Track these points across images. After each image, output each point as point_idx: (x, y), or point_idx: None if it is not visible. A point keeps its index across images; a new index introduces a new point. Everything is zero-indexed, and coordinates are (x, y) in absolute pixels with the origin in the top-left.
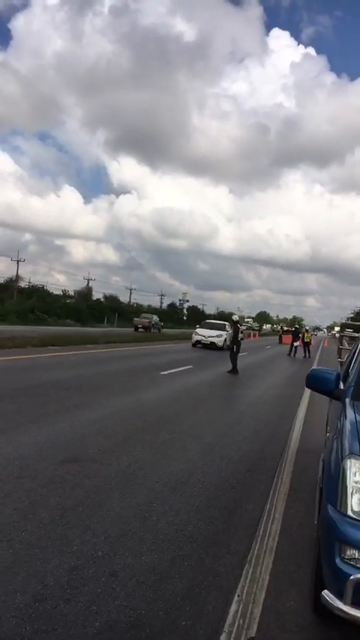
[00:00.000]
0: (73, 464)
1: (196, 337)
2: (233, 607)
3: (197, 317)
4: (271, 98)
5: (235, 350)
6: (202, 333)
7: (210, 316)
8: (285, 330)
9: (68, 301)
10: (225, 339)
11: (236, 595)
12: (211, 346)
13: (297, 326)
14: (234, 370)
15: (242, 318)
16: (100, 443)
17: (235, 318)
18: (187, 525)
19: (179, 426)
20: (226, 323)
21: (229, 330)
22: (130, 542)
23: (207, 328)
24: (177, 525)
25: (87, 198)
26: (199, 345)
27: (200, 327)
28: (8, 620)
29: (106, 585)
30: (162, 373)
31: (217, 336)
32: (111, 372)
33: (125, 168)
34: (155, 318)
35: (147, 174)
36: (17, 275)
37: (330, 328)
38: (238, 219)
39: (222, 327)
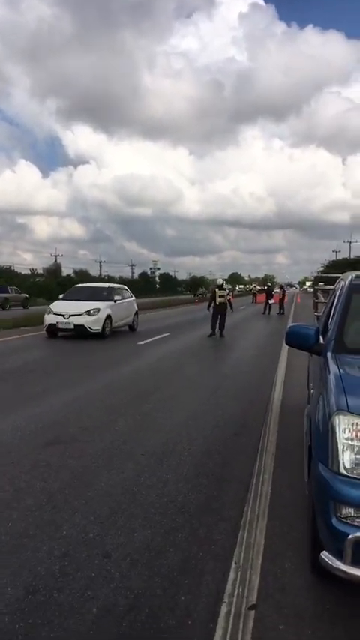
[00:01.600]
0: (57, 446)
1: (49, 319)
2: (231, 575)
3: (170, 284)
4: (223, 53)
5: (213, 313)
6: (62, 310)
7: (182, 282)
8: (259, 289)
9: (37, 280)
10: (109, 317)
11: (233, 562)
12: (79, 332)
13: (269, 284)
14: (212, 333)
15: (214, 280)
16: (83, 421)
17: (219, 281)
18: (178, 496)
19: (161, 396)
20: (120, 287)
21: (120, 298)
22: (121, 520)
23: (74, 299)
24: (167, 497)
25: (44, 172)
26: (64, 334)
27: (63, 299)
28: (1, 618)
29: (100, 568)
30: (139, 344)
31: (90, 313)
32: (88, 348)
33: (80, 138)
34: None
35: (103, 142)
36: None
37: (302, 283)
38: (201, 180)
39: (104, 295)
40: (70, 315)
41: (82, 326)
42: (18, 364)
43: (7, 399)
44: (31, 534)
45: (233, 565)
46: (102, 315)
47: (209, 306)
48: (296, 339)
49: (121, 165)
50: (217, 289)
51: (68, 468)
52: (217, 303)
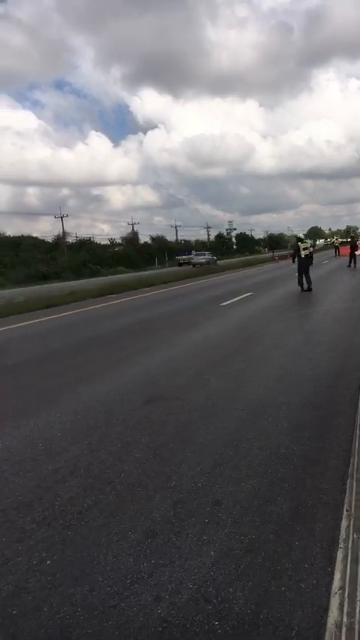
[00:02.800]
0: (156, 403)
1: None
2: (344, 522)
3: (247, 244)
4: None
5: (298, 267)
6: None
7: (259, 241)
8: (341, 242)
9: (117, 249)
10: None
11: (345, 510)
12: None
13: (352, 235)
14: (301, 287)
15: (293, 236)
16: (177, 380)
17: (300, 235)
18: (280, 448)
19: (250, 354)
20: None
21: None
22: (226, 471)
23: None
24: (270, 449)
25: (115, 141)
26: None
27: None
28: (126, 558)
29: (212, 515)
30: (222, 304)
31: None
32: (173, 311)
33: (147, 102)
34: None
35: (170, 103)
36: (63, 231)
37: None
38: (274, 133)
39: None
40: None
41: None
42: (114, 328)
43: (101, 362)
44: (143, 484)
45: (345, 513)
46: None
47: (293, 259)
48: None
49: (191, 127)
50: (300, 243)
51: (170, 424)
52: (303, 256)
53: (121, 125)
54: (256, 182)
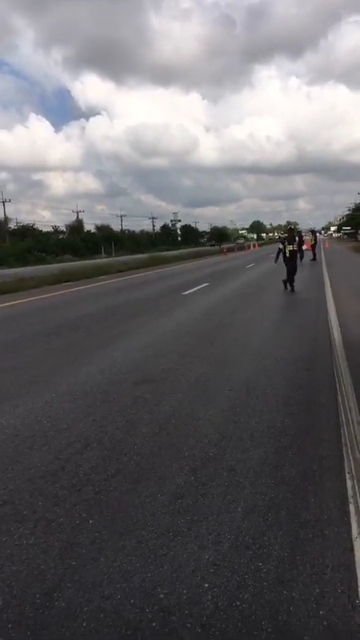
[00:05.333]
0: (147, 384)
1: None
2: (349, 482)
3: (192, 236)
4: None
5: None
6: None
7: (203, 233)
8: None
9: (61, 237)
10: None
11: (347, 472)
12: None
13: (299, 230)
14: (285, 287)
15: (236, 230)
16: (161, 363)
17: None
18: (275, 422)
19: (224, 339)
20: None
21: None
22: (232, 443)
23: None
24: (266, 423)
25: (57, 125)
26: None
27: None
28: (162, 516)
29: (230, 479)
30: (184, 293)
31: None
32: (137, 299)
33: (89, 88)
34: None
35: (113, 90)
36: (5, 217)
37: (326, 229)
38: (216, 126)
39: None
40: None
41: None
42: (83, 314)
43: (81, 346)
44: (157, 455)
45: (347, 475)
46: None
47: (277, 259)
48: None
49: (133, 115)
50: (284, 242)
51: (166, 402)
52: (287, 254)
53: (62, 110)
54: (199, 174)
